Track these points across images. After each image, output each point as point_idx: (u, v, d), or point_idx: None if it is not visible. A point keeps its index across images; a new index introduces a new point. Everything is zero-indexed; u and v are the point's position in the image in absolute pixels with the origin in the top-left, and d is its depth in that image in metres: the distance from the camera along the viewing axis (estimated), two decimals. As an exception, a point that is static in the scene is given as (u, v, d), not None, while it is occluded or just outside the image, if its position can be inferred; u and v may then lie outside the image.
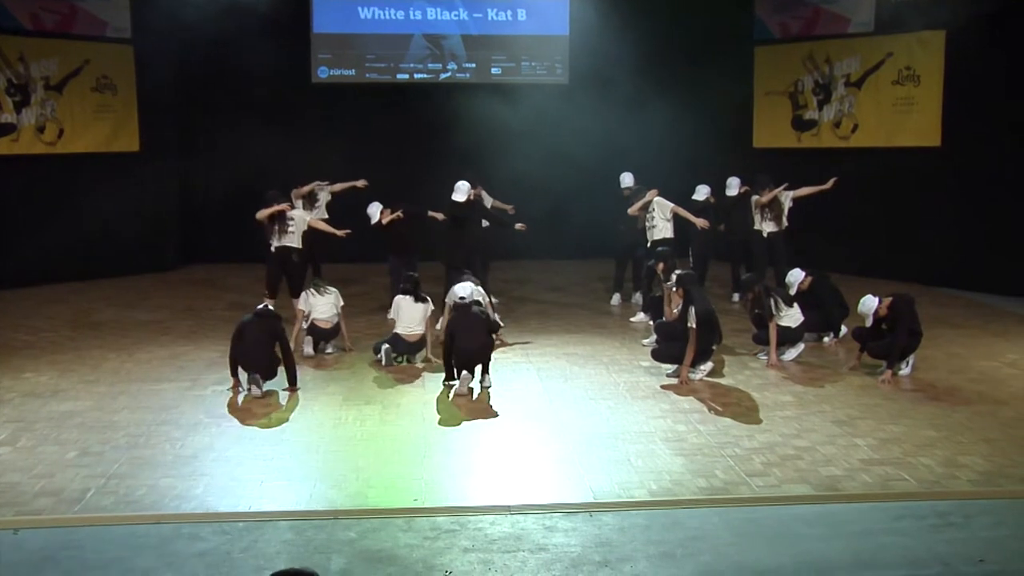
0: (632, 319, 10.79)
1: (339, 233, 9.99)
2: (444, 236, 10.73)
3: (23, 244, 12.68)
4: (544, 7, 14.85)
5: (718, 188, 11.83)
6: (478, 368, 8.12)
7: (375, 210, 10.71)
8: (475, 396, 8.00)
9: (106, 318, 11.09)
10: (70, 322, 10.89)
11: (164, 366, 8.93)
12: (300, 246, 10.06)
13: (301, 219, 10.13)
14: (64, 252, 12.97)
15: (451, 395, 8.00)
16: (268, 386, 8.03)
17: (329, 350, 9.38)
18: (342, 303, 9.42)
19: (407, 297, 8.95)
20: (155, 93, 13.78)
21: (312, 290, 9.33)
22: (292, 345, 8.63)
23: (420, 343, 8.99)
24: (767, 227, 11.23)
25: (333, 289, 9.43)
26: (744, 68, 14.31)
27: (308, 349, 9.24)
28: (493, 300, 10.11)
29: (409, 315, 8.90)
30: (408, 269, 9.73)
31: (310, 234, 10.18)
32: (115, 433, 7.05)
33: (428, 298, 9.08)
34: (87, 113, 13.34)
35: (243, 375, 8.03)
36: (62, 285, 12.80)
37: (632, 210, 10.96)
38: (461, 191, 10.53)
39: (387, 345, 8.86)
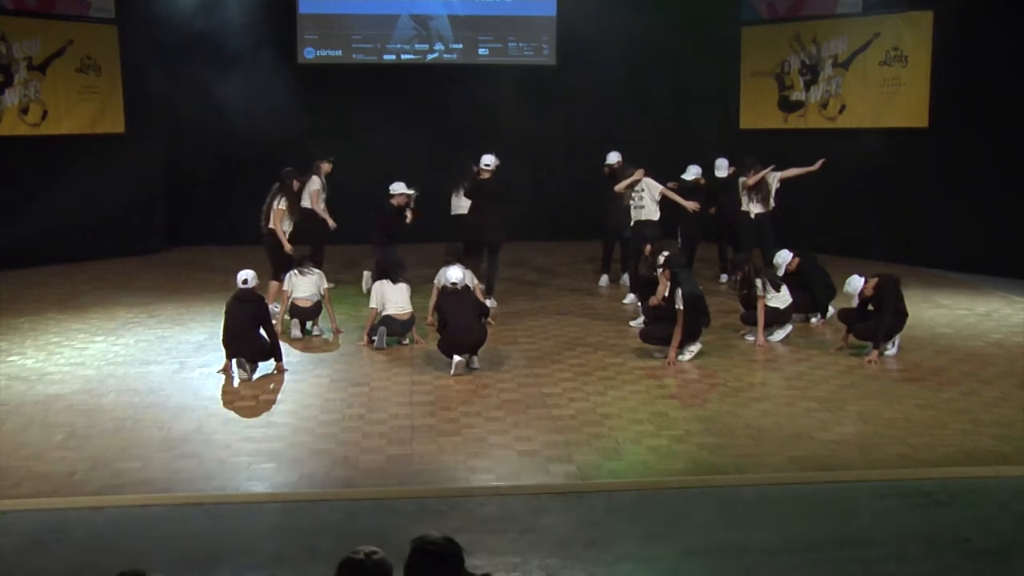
0: (625, 300, 10.78)
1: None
2: (475, 214, 10.48)
3: (7, 227, 12.56)
4: (531, -13, 14.79)
5: (706, 169, 11.80)
6: (467, 351, 8.14)
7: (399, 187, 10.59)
8: (464, 378, 7.98)
9: (92, 301, 11.01)
10: (56, 305, 10.80)
11: (151, 348, 8.89)
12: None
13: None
14: (49, 234, 12.86)
15: (453, 370, 7.99)
16: (258, 370, 8.01)
17: (316, 332, 9.35)
18: (326, 285, 9.40)
19: (385, 282, 8.96)
20: (140, 74, 13.65)
21: (295, 271, 9.32)
22: (278, 327, 8.66)
23: (411, 320, 9.01)
24: (754, 208, 11.23)
25: (317, 271, 9.41)
26: (731, 48, 14.27)
27: (296, 332, 9.22)
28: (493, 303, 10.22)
29: (394, 297, 8.93)
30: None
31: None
32: (102, 416, 7.02)
33: (404, 280, 9.06)
34: (71, 94, 13.19)
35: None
36: (47, 267, 12.70)
37: (619, 187, 10.90)
38: (489, 163, 10.34)
39: (383, 328, 8.86)
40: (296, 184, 10.03)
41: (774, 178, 11.18)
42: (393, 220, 10.58)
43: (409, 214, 10.65)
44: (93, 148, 13.29)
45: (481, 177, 10.39)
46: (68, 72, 13.13)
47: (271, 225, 9.72)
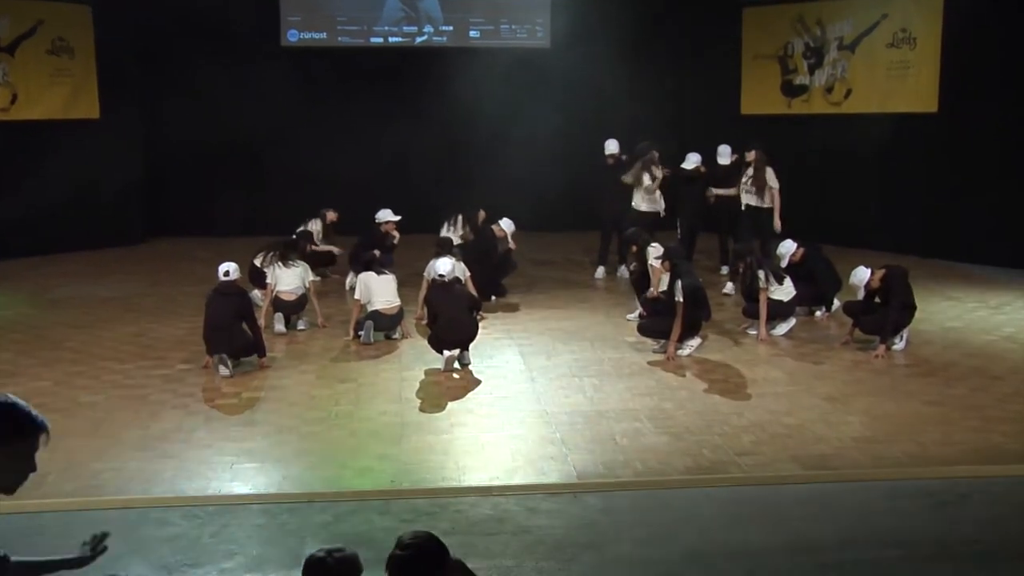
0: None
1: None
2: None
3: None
4: (524, -32, 14.52)
5: (706, 156, 11.58)
6: (459, 346, 8.05)
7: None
8: (455, 374, 7.90)
9: (67, 295, 10.88)
10: (29, 299, 10.66)
11: (129, 344, 8.78)
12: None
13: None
14: (21, 225, 12.43)
15: (444, 366, 7.88)
16: (241, 366, 7.89)
17: (301, 326, 9.23)
18: (311, 277, 9.29)
19: (369, 273, 8.82)
20: (115, 57, 13.28)
21: (279, 263, 9.14)
22: (262, 322, 8.53)
23: (399, 315, 8.86)
24: (747, 199, 11.02)
25: (302, 263, 9.29)
26: (731, 31, 14.05)
27: (279, 326, 9.09)
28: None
29: (381, 289, 8.76)
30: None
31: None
32: (77, 415, 6.92)
33: (386, 270, 8.97)
34: (42, 78, 12.85)
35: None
36: (19, 260, 12.39)
37: (650, 184, 10.86)
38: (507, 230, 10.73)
39: (370, 321, 8.71)
40: (306, 246, 10.53)
41: (772, 177, 10.92)
42: (380, 246, 10.55)
43: (396, 238, 10.84)
44: (67, 134, 12.88)
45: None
46: (39, 54, 12.76)
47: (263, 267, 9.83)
